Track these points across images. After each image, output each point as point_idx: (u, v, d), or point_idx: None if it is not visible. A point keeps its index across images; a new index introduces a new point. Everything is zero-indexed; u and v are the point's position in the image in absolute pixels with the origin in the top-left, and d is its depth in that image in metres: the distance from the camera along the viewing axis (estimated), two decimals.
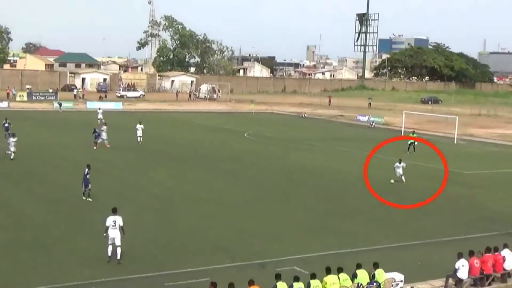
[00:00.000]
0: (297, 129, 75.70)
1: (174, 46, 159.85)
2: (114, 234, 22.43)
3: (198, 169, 43.77)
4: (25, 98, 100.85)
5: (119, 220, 22.64)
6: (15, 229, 26.58)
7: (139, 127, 53.76)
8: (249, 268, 22.28)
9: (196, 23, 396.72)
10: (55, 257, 23.03)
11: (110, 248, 22.48)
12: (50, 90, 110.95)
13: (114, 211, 22.95)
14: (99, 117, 68.12)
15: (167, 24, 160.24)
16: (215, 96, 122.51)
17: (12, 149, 43.45)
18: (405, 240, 27.37)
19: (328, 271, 18.82)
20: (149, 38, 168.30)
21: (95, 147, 50.02)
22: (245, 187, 38.04)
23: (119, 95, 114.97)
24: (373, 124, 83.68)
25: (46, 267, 21.87)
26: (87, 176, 31.90)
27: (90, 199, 31.71)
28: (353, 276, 19.18)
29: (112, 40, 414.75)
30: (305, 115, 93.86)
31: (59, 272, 21.39)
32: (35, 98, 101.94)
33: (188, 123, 77.12)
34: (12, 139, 43.93)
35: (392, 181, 40.36)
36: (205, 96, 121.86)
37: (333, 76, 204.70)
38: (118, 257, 22.27)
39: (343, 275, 18.98)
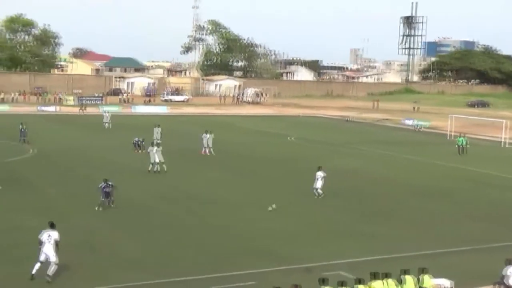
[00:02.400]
0: (342, 132, 75.34)
1: (219, 50, 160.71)
2: (49, 251, 20.81)
3: (239, 172, 43.98)
4: (73, 102, 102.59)
5: (54, 235, 21.04)
6: (63, 231, 26.85)
7: (207, 135, 51.18)
8: (295, 272, 22.22)
9: (241, 27, 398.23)
10: (99, 259, 23.35)
11: (37, 265, 20.77)
12: (96, 95, 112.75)
13: (52, 226, 21.42)
14: (104, 120, 68.87)
15: (211, 28, 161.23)
16: (259, 100, 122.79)
17: (158, 159, 41.30)
18: (452, 245, 26.90)
19: (374, 276, 18.64)
20: (194, 43, 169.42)
21: (135, 151, 50.51)
22: (286, 190, 37.74)
23: (164, 99, 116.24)
24: (419, 127, 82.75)
25: (90, 269, 22.17)
26: (105, 190, 30.48)
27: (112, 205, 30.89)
28: (400, 282, 18.96)
29: (158, 44, 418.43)
30: (350, 119, 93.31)
31: (101, 274, 21.67)
32: (83, 102, 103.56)
33: (232, 126, 77.33)
34: (156, 148, 41.87)
35: (271, 207, 31.49)
36: (250, 100, 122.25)
37: (379, 79, 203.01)
38: (50, 273, 20.67)
39: (389, 281, 18.76)
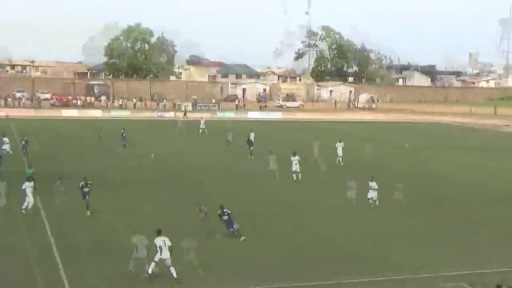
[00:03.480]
0: (457, 139, 73.28)
1: (331, 56, 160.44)
2: (166, 255, 21.86)
3: (334, 178, 42.09)
4: (190, 109, 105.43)
5: (167, 240, 22.08)
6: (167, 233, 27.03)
7: (339, 145, 49.88)
8: (385, 283, 22.10)
9: (353, 32, 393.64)
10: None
11: (153, 265, 21.86)
12: (213, 101, 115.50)
13: (159, 233, 22.29)
14: (201, 127, 69.26)
15: (324, 34, 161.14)
16: (373, 105, 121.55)
17: (275, 166, 42.27)
18: None
19: None
20: (307, 49, 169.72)
21: (249, 156, 51.21)
22: (387, 197, 34.68)
23: (278, 105, 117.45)
24: None
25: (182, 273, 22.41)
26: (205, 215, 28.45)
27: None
28: None
29: (270, 51, 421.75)
30: (468, 125, 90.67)
31: (197, 279, 22.00)
32: (199, 108, 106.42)
33: (346, 133, 75.95)
34: (270, 157, 42.93)
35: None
36: (363, 106, 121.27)
37: (499, 84, 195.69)
38: (175, 275, 21.65)
39: None
